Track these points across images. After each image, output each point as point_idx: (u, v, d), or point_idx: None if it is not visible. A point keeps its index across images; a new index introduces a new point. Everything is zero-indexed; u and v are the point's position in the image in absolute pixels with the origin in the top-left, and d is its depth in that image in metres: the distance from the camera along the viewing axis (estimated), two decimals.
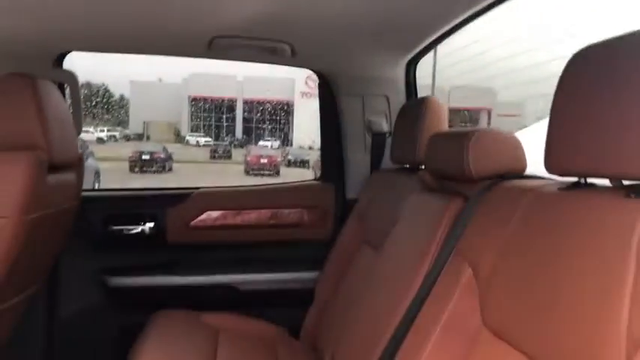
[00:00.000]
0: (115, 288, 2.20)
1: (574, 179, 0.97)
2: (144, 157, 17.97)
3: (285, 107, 28.48)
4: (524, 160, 1.29)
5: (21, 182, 1.54)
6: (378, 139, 2.26)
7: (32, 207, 1.59)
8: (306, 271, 2.28)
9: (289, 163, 20.21)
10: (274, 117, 29.14)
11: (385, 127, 2.26)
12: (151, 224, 2.25)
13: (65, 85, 2.16)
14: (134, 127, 29.11)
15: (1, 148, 1.59)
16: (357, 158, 2.34)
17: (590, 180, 0.95)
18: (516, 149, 1.30)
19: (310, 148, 22.31)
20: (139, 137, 27.41)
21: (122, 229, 2.25)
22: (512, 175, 1.24)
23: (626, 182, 0.86)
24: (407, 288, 1.31)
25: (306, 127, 24.59)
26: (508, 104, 25.87)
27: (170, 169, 17.88)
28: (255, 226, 2.34)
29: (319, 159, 2.55)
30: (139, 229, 2.25)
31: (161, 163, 17.95)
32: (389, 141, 2.17)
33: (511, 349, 0.94)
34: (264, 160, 18.54)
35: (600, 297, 0.74)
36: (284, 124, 29.07)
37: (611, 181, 0.88)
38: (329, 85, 2.35)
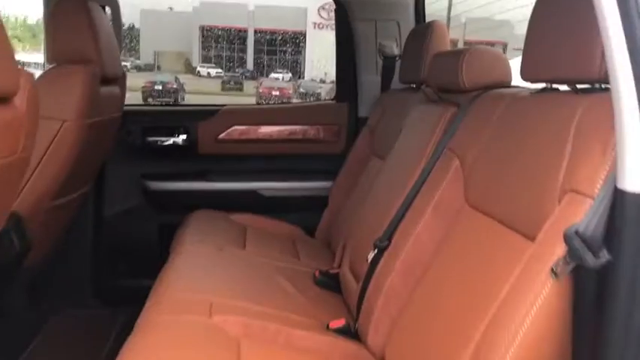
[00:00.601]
0: (153, 191, 2.50)
1: (543, 85, 1.21)
2: (156, 87, 18.11)
3: (298, 38, 28.16)
4: (510, 74, 1.52)
5: (80, 91, 1.81)
6: (388, 61, 2.48)
7: (88, 113, 1.86)
8: (322, 181, 2.55)
9: (301, 96, 20.29)
10: (286, 48, 28.88)
11: (395, 50, 2.47)
12: (184, 136, 2.52)
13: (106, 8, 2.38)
14: (145, 57, 28.98)
15: (62, 63, 1.85)
16: (369, 79, 2.57)
17: (555, 85, 1.19)
18: (503, 65, 1.53)
19: (322, 80, 22.25)
20: (150, 68, 27.34)
21: (157, 140, 2.52)
22: (498, 85, 1.48)
23: (579, 86, 1.10)
24: (406, 181, 1.58)
25: (319, 60, 24.44)
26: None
27: (182, 100, 18.05)
28: (276, 140, 2.61)
29: (331, 92, 2.77)
30: (172, 140, 2.52)
31: (173, 94, 18.11)
32: (398, 64, 2.39)
33: (485, 218, 1.22)
34: (275, 93, 18.62)
35: (547, 164, 1.00)
36: (296, 55, 28.84)
37: (568, 85, 1.13)
38: (344, 11, 2.55)
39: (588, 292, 0.80)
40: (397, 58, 2.45)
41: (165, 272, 1.68)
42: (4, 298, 1.96)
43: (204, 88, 21.29)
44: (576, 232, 0.81)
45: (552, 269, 0.84)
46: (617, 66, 0.74)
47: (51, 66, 1.87)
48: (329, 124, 2.63)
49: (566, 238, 0.83)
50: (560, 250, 0.85)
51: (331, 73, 2.73)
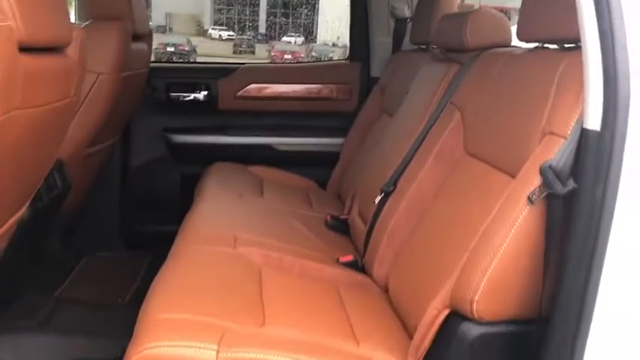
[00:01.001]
0: (175, 144, 2.67)
1: (536, 45, 1.36)
2: (168, 49, 18.13)
3: (310, 2, 27.87)
4: (510, 35, 1.66)
5: (114, 46, 1.97)
6: (399, 23, 2.60)
7: (121, 67, 2.02)
8: (334, 137, 2.71)
9: (313, 60, 20.11)
10: (299, 11, 28.61)
11: (407, 13, 2.59)
12: (205, 93, 2.67)
13: None
14: (156, 19, 28.85)
15: (98, 19, 2.00)
16: (381, 41, 2.70)
17: (546, 45, 1.33)
18: (504, 27, 1.67)
19: (334, 45, 22.10)
20: (161, 30, 27.21)
21: (180, 96, 2.68)
22: (498, 45, 1.62)
23: (566, 45, 1.24)
24: (411, 133, 1.74)
25: (331, 24, 24.23)
26: None
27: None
28: (291, 97, 2.75)
29: (343, 56, 2.89)
30: (194, 96, 2.68)
31: (186, 56, 18.14)
32: (409, 26, 2.51)
33: (480, 163, 1.37)
34: (287, 56, 18.58)
35: (533, 112, 1.16)
36: (309, 18, 28.58)
37: (557, 44, 1.27)
38: None
39: (557, 215, 0.97)
40: (408, 20, 2.57)
41: (192, 214, 1.86)
42: (45, 240, 2.16)
43: (215, 51, 21.26)
44: (549, 167, 0.97)
45: (529, 197, 1.00)
46: (585, 22, 0.89)
47: (86, 22, 2.02)
48: (342, 83, 2.77)
49: (541, 172, 0.99)
50: (536, 182, 1.01)
51: (344, 37, 2.85)
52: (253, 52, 22.69)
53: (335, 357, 1.11)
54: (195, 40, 20.74)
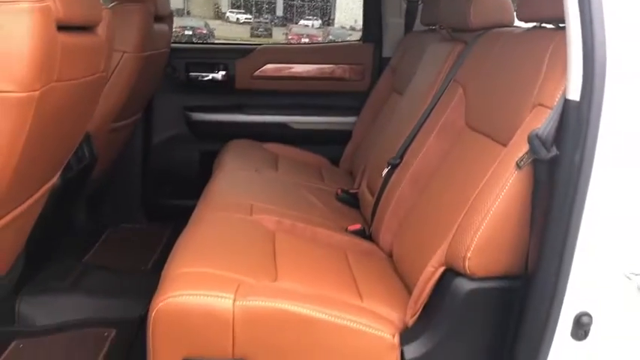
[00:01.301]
0: (195, 122, 2.79)
1: (534, 24, 1.44)
2: (186, 32, 18.20)
3: None
4: (512, 16, 1.74)
5: (138, 26, 2.08)
6: (411, 5, 2.68)
7: (144, 47, 2.13)
8: (346, 116, 2.81)
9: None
10: None
11: None
12: (223, 72, 2.78)
13: None
14: (174, 1, 28.89)
15: (122, 1, 2.11)
16: (394, 22, 2.78)
17: (543, 24, 1.41)
18: (507, 8, 1.75)
19: (352, 28, 22.02)
20: (180, 13, 27.26)
21: (199, 76, 2.79)
22: (501, 25, 1.70)
23: (561, 24, 1.33)
24: (418, 109, 1.83)
25: (349, 7, 24.11)
26: None
27: None
28: (306, 77, 2.85)
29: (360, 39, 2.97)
30: (212, 76, 2.79)
31: (203, 39, 18.21)
32: (420, 7, 2.59)
33: (479, 135, 1.47)
34: (305, 40, 18.58)
35: (526, 86, 1.25)
36: (326, 2, 28.43)
37: (552, 24, 1.35)
38: None
39: (542, 179, 1.06)
40: (419, 2, 2.65)
41: (211, 185, 1.98)
42: (73, 210, 2.30)
43: (233, 34, 21.26)
44: (536, 135, 1.07)
45: (517, 163, 1.10)
46: (568, 2, 0.98)
47: (111, 4, 2.13)
48: (355, 63, 2.86)
49: (529, 140, 1.08)
50: (524, 149, 1.10)
51: (361, 20, 2.94)
52: (270, 36, 22.64)
53: (340, 308, 1.22)
54: (213, 24, 20.81)
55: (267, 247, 1.46)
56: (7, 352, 1.64)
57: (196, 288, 1.18)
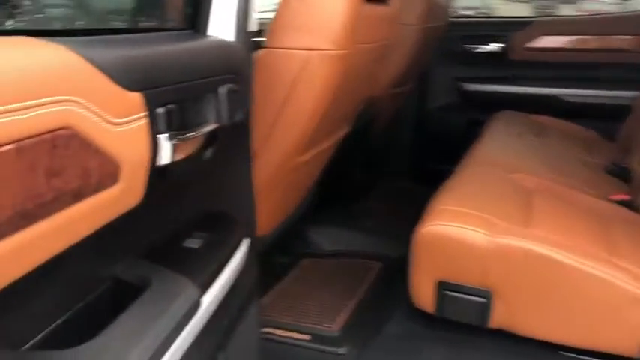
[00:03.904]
0: (466, 91, 2.95)
1: None
2: (466, 12, 18.14)
3: None
4: None
5: (422, 0, 2.31)
6: None
7: (427, 18, 2.36)
8: (623, 90, 2.65)
9: None
10: None
11: None
12: (497, 44, 2.87)
13: None
14: None
15: None
16: None
17: None
18: None
19: None
20: None
21: (473, 47, 2.93)
22: None
23: None
24: None
25: None
26: None
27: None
28: (581, 49, 2.77)
29: None
30: (487, 47, 2.90)
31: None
32: None
33: None
34: None
35: None
36: None
37: None
38: None
39: None
40: None
41: (477, 145, 2.13)
42: (351, 162, 2.67)
43: (513, 13, 20.44)
44: None
45: None
46: None
47: None
48: (636, 34, 2.68)
49: None
50: None
51: None
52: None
53: (592, 260, 1.28)
54: (496, 2, 20.35)
55: (522, 199, 1.57)
56: (298, 266, 2.07)
57: (454, 221, 1.37)
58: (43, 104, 0.53)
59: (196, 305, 0.72)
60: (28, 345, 0.58)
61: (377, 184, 2.96)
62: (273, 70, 1.41)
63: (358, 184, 2.83)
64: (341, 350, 1.58)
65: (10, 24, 0.66)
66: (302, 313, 1.73)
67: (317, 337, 1.62)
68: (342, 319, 1.70)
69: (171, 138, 0.76)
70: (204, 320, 0.76)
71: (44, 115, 0.53)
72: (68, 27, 0.87)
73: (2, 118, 0.48)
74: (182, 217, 0.89)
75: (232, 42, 1.06)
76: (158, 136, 0.74)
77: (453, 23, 2.93)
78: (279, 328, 1.66)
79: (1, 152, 0.47)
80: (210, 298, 0.77)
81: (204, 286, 0.76)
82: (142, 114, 0.70)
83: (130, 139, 0.68)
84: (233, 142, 1.01)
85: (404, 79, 2.57)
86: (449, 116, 3.02)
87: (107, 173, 0.63)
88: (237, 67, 1.02)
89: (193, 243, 0.85)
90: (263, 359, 1.51)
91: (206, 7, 1.06)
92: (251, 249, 1.12)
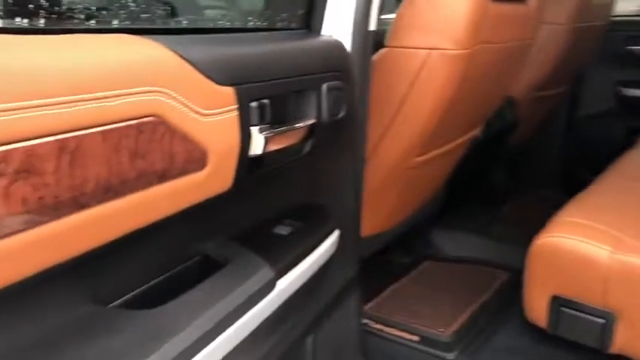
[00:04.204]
0: (626, 97, 2.69)
1: None
2: None
3: None
4: None
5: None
6: None
7: (577, 19, 2.20)
8: None
9: None
10: None
11: None
12: None
13: None
14: None
15: None
16: None
17: None
18: None
19: None
20: None
21: (637, 49, 2.66)
22: None
23: None
24: None
25: None
26: None
27: None
28: None
29: None
30: None
31: None
32: None
33: None
34: None
35: None
36: None
37: None
38: None
39: None
40: None
41: (625, 156, 1.96)
42: (492, 167, 2.58)
43: None
44: None
45: None
46: None
47: None
48: None
49: None
50: None
51: None
52: None
53: None
54: None
55: None
56: (418, 268, 2.05)
57: (575, 234, 1.28)
58: (130, 94, 0.60)
59: (270, 286, 0.77)
60: (115, 303, 0.67)
61: (518, 190, 2.82)
62: (394, 69, 1.42)
63: (495, 188, 2.72)
64: (449, 356, 1.55)
65: (115, 23, 0.75)
66: (415, 315, 1.72)
67: (426, 340, 1.61)
68: (454, 325, 1.66)
69: (263, 130, 0.82)
70: (281, 303, 0.80)
71: (131, 103, 0.61)
72: (190, 26, 0.97)
73: (91, 104, 0.56)
74: (276, 205, 0.95)
75: (340, 41, 1.09)
76: (251, 128, 0.80)
77: (616, 22, 2.68)
78: (389, 326, 1.67)
79: (88, 134, 0.56)
80: (289, 282, 0.81)
81: (283, 271, 0.81)
82: (234, 107, 0.76)
83: (219, 129, 0.74)
84: (335, 139, 1.05)
85: (552, 82, 2.41)
86: (604, 123, 2.77)
87: (194, 159, 0.70)
88: (344, 66, 1.06)
89: (282, 230, 0.91)
90: (371, 355, 1.53)
91: (320, 7, 1.10)
92: (350, 243, 1.15)
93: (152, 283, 0.71)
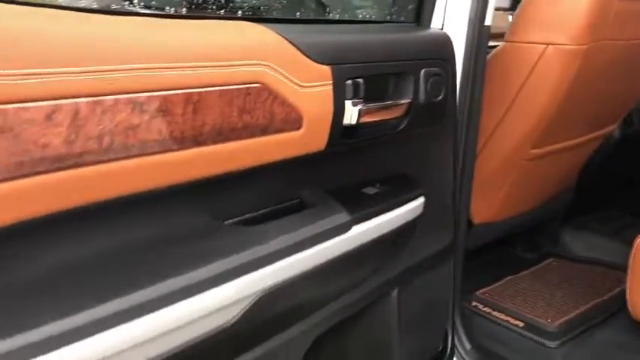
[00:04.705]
0: None
1: None
2: None
3: None
4: None
5: None
6: None
7: None
8: None
9: None
10: None
11: None
12: None
13: None
14: None
15: None
16: None
17: None
18: None
19: None
20: None
21: None
22: None
23: None
24: None
25: None
26: None
27: None
28: None
29: None
30: None
31: None
32: None
33: None
34: None
35: None
36: None
37: None
38: None
39: None
40: None
41: None
42: (636, 166, 2.43)
43: None
44: None
45: None
46: None
47: None
48: None
49: None
50: None
51: None
52: None
53: None
54: None
55: None
56: (542, 264, 2.06)
57: None
58: (242, 65, 0.82)
59: (345, 228, 0.95)
60: (228, 221, 0.90)
61: None
62: (510, 63, 1.50)
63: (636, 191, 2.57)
64: (551, 344, 1.59)
65: (239, 13, 0.98)
66: (524, 304, 1.77)
67: (530, 327, 1.66)
68: (562, 318, 1.69)
69: (356, 104, 0.99)
70: (356, 245, 0.98)
71: (242, 72, 0.82)
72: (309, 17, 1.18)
73: (211, 70, 0.78)
74: (368, 172, 1.12)
75: (446, 34, 1.22)
76: (345, 101, 0.98)
77: None
78: (497, 310, 1.74)
79: (208, 91, 0.78)
80: (364, 229, 0.98)
81: (359, 219, 0.97)
82: (329, 82, 0.95)
83: (315, 98, 0.93)
84: (433, 121, 1.19)
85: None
86: None
87: (291, 119, 0.90)
88: (445, 56, 1.18)
89: (370, 190, 1.07)
90: (475, 334, 1.63)
91: (430, 2, 1.24)
92: (444, 216, 1.28)
93: (256, 213, 0.93)
